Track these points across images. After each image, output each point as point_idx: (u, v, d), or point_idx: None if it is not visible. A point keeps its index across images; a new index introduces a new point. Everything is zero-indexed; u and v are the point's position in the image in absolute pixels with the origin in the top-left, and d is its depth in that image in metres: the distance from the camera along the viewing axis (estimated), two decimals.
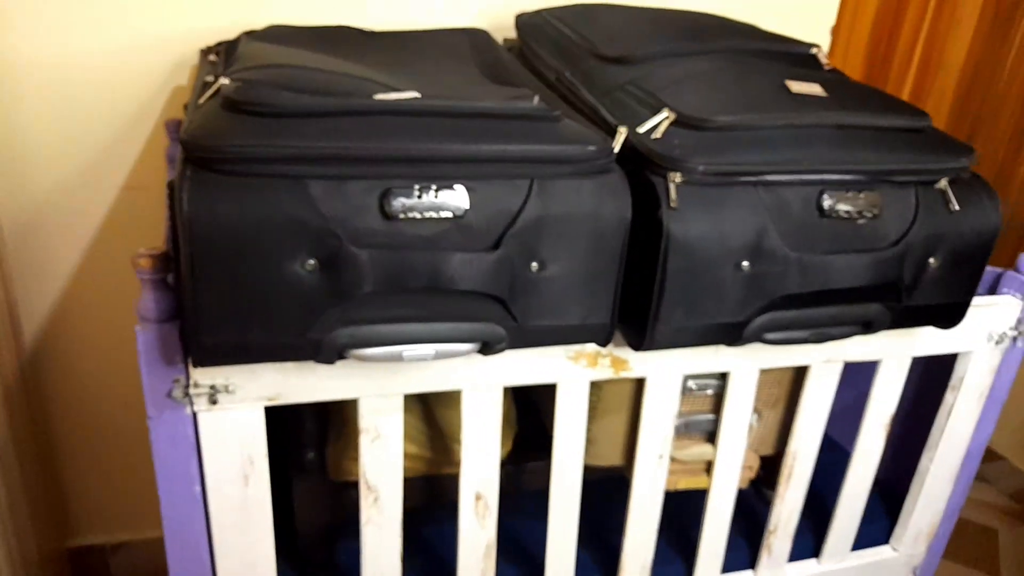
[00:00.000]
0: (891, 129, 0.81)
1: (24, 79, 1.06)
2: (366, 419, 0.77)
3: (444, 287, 0.65)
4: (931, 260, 0.80)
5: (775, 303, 0.76)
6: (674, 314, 0.74)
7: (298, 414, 0.94)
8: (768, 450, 1.07)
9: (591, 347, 0.80)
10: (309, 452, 0.94)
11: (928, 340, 0.94)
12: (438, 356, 0.69)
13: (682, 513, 1.01)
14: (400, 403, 0.77)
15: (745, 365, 0.87)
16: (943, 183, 0.80)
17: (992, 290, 1.00)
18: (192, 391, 0.69)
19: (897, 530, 1.10)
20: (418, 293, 0.66)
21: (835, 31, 1.42)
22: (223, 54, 0.93)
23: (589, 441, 0.90)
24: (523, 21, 1.07)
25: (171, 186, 0.62)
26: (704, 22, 1.02)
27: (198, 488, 0.73)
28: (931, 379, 1.06)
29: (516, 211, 0.66)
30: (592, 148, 0.69)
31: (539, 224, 0.67)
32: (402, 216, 0.63)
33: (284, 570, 0.92)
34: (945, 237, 0.79)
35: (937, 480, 1.06)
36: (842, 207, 0.75)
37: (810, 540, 1.08)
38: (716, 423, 0.92)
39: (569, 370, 0.81)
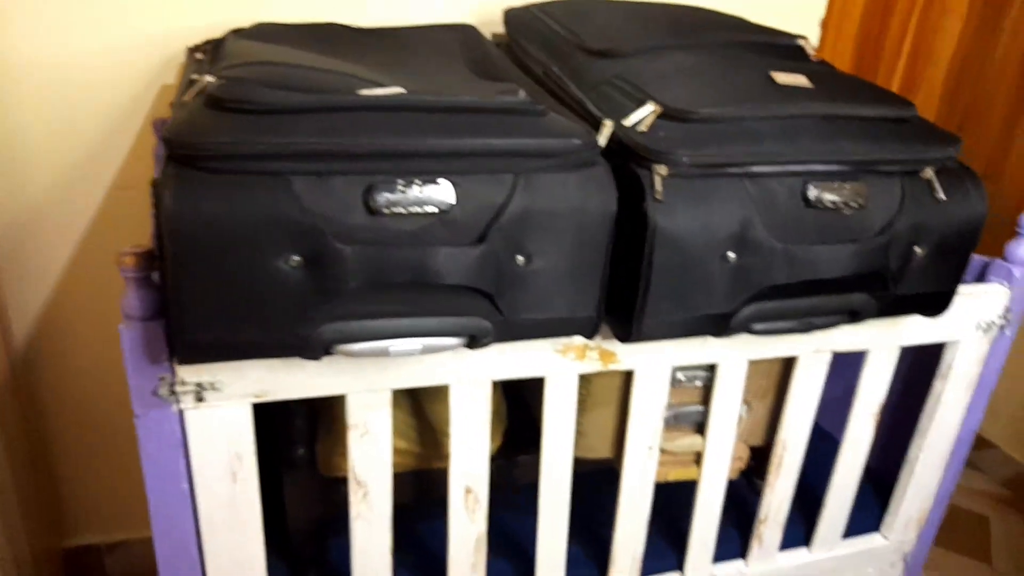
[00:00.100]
0: (877, 119, 0.81)
1: (11, 79, 1.06)
2: (354, 415, 0.77)
3: (429, 282, 0.65)
4: (917, 249, 0.80)
5: (762, 294, 0.77)
6: (660, 306, 0.74)
7: (288, 410, 0.94)
8: (758, 441, 1.07)
9: (579, 340, 0.80)
10: (299, 448, 0.94)
11: (916, 329, 0.94)
12: (425, 351, 0.69)
13: (673, 504, 1.02)
14: (388, 398, 0.77)
15: (733, 356, 0.88)
16: (929, 172, 0.80)
17: (980, 279, 1.00)
18: (178, 389, 0.69)
19: (887, 518, 1.11)
20: (404, 288, 0.66)
21: (824, 24, 1.42)
22: (210, 52, 0.92)
23: (579, 434, 0.90)
24: (511, 16, 1.07)
25: (155, 184, 0.62)
26: (692, 15, 1.02)
27: (186, 486, 0.73)
28: (921, 369, 1.07)
29: (501, 205, 0.67)
30: (577, 141, 0.69)
31: (524, 218, 0.67)
32: (386, 211, 0.63)
33: (275, 566, 0.92)
34: (931, 226, 0.80)
35: (926, 468, 1.06)
36: (828, 197, 0.76)
37: (801, 529, 1.08)
38: (705, 414, 0.93)
39: (557, 363, 0.81)
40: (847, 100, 0.81)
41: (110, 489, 1.34)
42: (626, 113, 0.76)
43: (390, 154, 0.64)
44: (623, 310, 0.75)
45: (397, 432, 0.93)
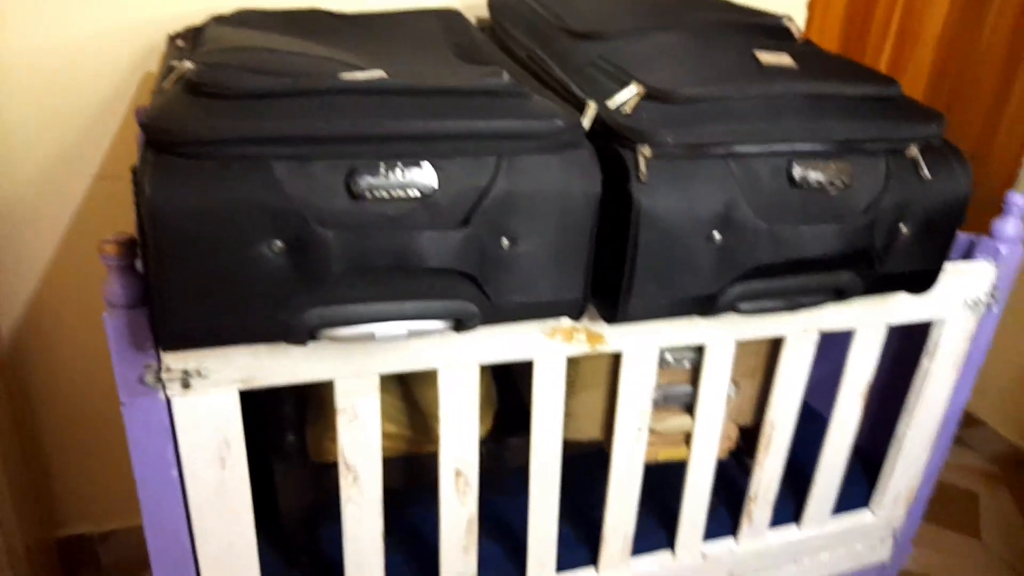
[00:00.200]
0: (861, 98, 0.81)
1: None
2: (342, 400, 0.77)
3: (413, 266, 0.65)
4: (902, 227, 0.80)
5: (747, 273, 0.77)
6: (646, 287, 0.74)
7: (277, 397, 0.94)
8: (747, 420, 1.08)
9: (566, 322, 0.80)
10: (289, 434, 0.94)
11: (903, 307, 0.94)
12: (411, 334, 0.69)
13: (663, 484, 1.02)
14: (376, 383, 0.77)
15: (721, 337, 0.88)
16: (913, 150, 0.80)
17: (967, 256, 1.01)
18: (164, 376, 0.69)
19: (876, 495, 1.12)
20: (388, 272, 0.66)
21: (811, 5, 1.41)
22: (191, 39, 0.92)
23: (568, 416, 0.91)
24: (496, 1, 1.06)
25: (135, 171, 0.62)
26: None
27: (175, 473, 0.73)
28: (911, 347, 1.07)
29: (484, 188, 0.66)
30: (559, 123, 0.69)
31: (508, 200, 0.67)
32: (369, 195, 0.63)
33: (267, 552, 0.92)
34: (915, 204, 0.80)
35: (914, 445, 1.07)
36: (812, 176, 0.76)
37: (791, 507, 1.09)
38: (694, 395, 0.93)
39: (545, 346, 0.81)
40: (831, 79, 0.81)
41: (102, 478, 1.34)
42: (610, 95, 0.76)
43: (371, 138, 0.63)
44: (609, 291, 0.75)
45: (387, 416, 0.93)
